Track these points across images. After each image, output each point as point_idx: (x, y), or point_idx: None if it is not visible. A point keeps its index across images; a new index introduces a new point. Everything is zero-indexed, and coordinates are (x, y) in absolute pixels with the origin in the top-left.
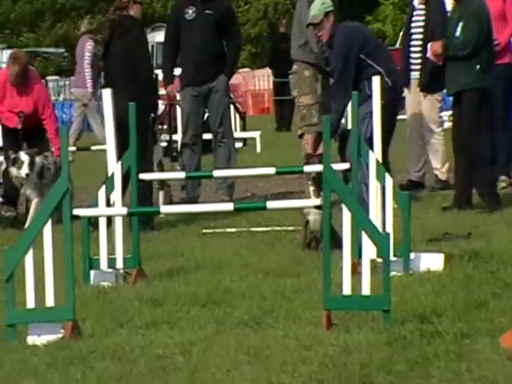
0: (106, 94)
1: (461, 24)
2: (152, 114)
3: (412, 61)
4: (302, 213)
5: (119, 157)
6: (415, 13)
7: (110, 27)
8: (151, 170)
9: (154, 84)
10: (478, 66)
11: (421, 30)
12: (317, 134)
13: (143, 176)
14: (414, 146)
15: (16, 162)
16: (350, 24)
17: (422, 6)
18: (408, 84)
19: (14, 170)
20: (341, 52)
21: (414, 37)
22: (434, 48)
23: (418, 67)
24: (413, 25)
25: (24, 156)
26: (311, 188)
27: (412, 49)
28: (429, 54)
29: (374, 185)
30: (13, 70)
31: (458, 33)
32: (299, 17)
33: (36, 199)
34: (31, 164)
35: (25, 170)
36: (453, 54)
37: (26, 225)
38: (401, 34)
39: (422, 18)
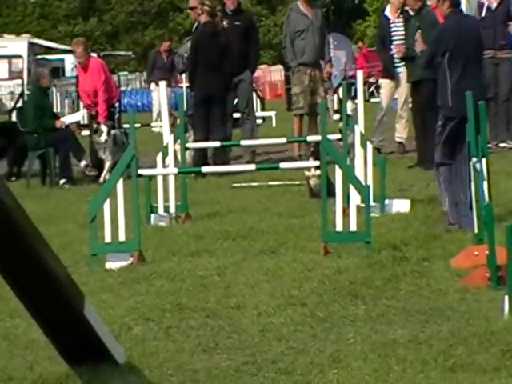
0: (162, 85)
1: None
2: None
3: (395, 60)
4: (305, 174)
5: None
6: (392, 24)
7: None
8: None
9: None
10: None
11: (402, 36)
12: (301, 115)
13: (191, 145)
14: (382, 123)
15: (97, 131)
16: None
17: (398, 19)
18: (393, 77)
19: (95, 137)
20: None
21: (396, 42)
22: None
23: (401, 64)
24: (394, 33)
25: (103, 127)
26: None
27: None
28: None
29: (358, 150)
30: (77, 51)
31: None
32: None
33: (109, 161)
34: (108, 133)
35: (104, 137)
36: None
37: (101, 179)
38: (376, 39)
39: (401, 27)
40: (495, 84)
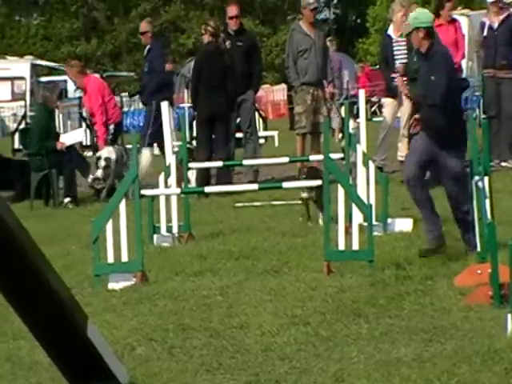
0: (164, 106)
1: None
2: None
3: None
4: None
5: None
6: (395, 43)
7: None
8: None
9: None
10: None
11: (404, 55)
12: (304, 134)
13: (192, 165)
14: (385, 142)
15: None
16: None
17: (400, 38)
18: (396, 95)
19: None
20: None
21: (399, 62)
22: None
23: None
24: (396, 52)
25: (101, 162)
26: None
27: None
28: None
29: (360, 169)
30: (71, 74)
31: (415, 58)
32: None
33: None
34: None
35: (100, 173)
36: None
37: (102, 196)
38: (379, 58)
39: (404, 46)
40: (497, 102)
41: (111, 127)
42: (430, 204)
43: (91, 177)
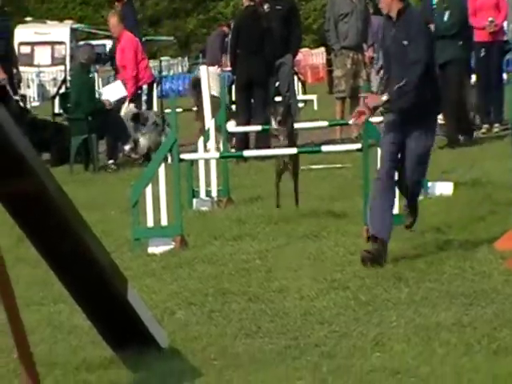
0: (203, 70)
1: (447, 12)
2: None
3: None
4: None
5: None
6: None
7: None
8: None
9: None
10: (460, 42)
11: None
12: (343, 98)
13: (232, 129)
14: None
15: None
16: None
17: None
18: None
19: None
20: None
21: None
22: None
23: None
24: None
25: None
26: None
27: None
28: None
29: None
30: (111, 22)
31: (445, 18)
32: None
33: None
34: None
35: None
36: (442, 34)
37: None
38: None
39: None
40: None
41: (144, 87)
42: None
43: (129, 146)
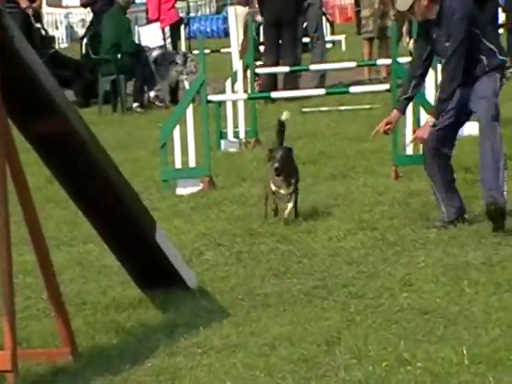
0: (231, 11)
1: None
2: None
3: None
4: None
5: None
6: None
7: None
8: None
9: None
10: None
11: None
12: (371, 39)
13: (260, 70)
14: None
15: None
16: None
17: None
18: None
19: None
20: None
21: None
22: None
23: None
24: None
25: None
26: None
27: None
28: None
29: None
30: None
31: None
32: None
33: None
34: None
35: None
36: None
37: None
38: None
39: None
40: None
41: (166, 29)
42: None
43: (154, 93)
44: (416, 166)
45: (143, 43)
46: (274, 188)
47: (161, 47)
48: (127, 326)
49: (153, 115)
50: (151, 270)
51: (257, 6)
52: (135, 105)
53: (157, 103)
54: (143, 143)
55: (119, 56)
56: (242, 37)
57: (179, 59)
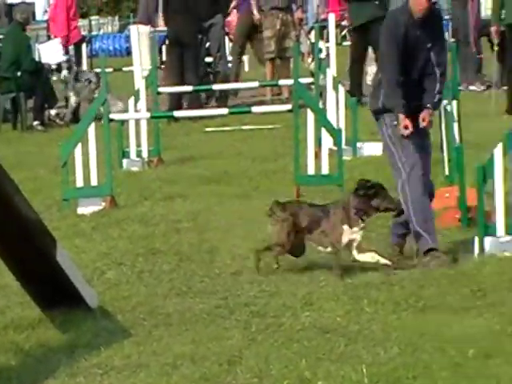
0: (133, 30)
1: None
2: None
3: None
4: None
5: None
6: None
7: None
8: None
9: None
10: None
11: None
12: (272, 59)
13: (163, 89)
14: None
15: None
16: None
17: None
18: None
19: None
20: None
21: None
22: None
23: None
24: None
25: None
26: None
27: None
28: None
29: (330, 93)
30: None
31: None
32: None
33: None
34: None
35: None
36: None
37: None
38: None
39: None
40: (464, 26)
41: (71, 48)
42: None
43: (55, 111)
44: (317, 187)
45: (43, 60)
46: None
47: (68, 64)
48: (26, 346)
49: (53, 133)
50: (52, 289)
51: (160, 25)
52: (36, 123)
53: (57, 121)
54: (43, 162)
55: (19, 74)
56: (145, 56)
57: (93, 77)
